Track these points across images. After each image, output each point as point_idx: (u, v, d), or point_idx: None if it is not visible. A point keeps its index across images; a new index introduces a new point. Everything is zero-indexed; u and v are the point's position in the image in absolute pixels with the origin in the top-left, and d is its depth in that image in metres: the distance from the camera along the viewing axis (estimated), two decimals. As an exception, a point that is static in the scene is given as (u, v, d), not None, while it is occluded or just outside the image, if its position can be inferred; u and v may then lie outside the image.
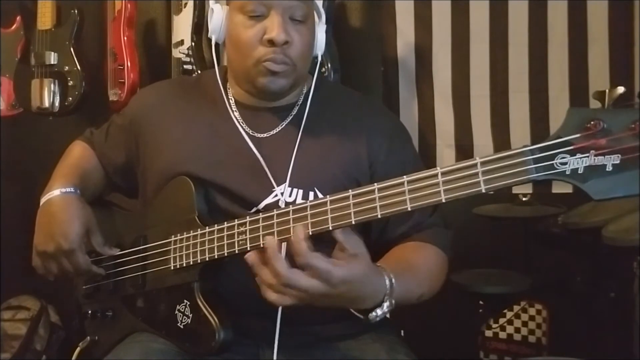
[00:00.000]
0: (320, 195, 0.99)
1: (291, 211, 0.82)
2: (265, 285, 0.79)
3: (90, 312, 1.16)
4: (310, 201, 0.80)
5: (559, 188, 1.71)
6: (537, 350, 1.69)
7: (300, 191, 1.00)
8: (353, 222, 0.76)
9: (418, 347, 1.08)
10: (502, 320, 1.73)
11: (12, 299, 2.24)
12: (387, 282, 0.83)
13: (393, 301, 0.83)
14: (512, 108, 1.78)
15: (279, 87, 1.02)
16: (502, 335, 1.72)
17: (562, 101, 1.72)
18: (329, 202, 0.77)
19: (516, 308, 1.71)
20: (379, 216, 0.73)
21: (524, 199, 1.74)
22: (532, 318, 1.70)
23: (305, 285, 0.77)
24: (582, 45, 1.70)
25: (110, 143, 1.19)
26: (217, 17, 1.05)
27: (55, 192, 1.07)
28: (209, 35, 1.07)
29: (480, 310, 1.74)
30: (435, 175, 0.69)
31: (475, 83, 1.82)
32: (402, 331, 1.24)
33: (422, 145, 1.87)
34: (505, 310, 1.73)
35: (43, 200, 1.08)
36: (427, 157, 1.84)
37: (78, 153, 1.20)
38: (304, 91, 1.09)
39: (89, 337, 1.15)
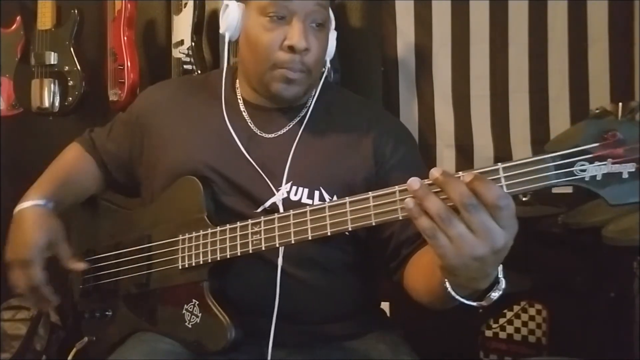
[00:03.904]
0: (326, 194, 0.99)
1: (308, 212, 0.82)
2: (427, 215, 0.67)
3: (87, 311, 1.15)
4: (330, 202, 0.80)
5: (558, 188, 1.71)
6: (537, 350, 1.69)
7: (306, 190, 1.00)
8: (373, 223, 0.76)
9: (418, 346, 1.08)
10: (502, 320, 1.73)
11: (12, 298, 2.24)
12: None
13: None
14: (512, 108, 1.78)
15: (293, 94, 1.02)
16: (502, 335, 1.72)
17: (562, 101, 1.72)
18: (348, 203, 0.77)
19: (516, 308, 1.72)
20: (400, 217, 0.73)
21: (524, 198, 1.73)
22: (532, 318, 1.70)
23: (490, 225, 0.64)
24: (582, 45, 1.69)
25: (114, 138, 1.19)
26: (233, 15, 1.03)
27: (27, 204, 1.06)
28: (221, 32, 1.06)
29: (480, 310, 1.74)
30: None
31: (475, 83, 1.82)
32: (403, 331, 1.24)
33: (422, 145, 1.87)
34: (505, 310, 1.73)
35: (16, 210, 1.07)
36: (427, 157, 1.84)
37: (67, 159, 1.19)
38: (313, 93, 1.09)
39: (86, 338, 1.15)
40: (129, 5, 1.96)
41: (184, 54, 1.81)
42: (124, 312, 1.10)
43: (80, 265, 1.08)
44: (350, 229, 0.78)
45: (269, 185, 1.00)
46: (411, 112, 1.88)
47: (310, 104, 1.08)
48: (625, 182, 0.64)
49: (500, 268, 0.73)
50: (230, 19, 1.04)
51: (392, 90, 1.90)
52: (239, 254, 0.91)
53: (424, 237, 0.68)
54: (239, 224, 0.91)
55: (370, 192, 0.76)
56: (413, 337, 1.12)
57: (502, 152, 1.78)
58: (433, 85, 1.86)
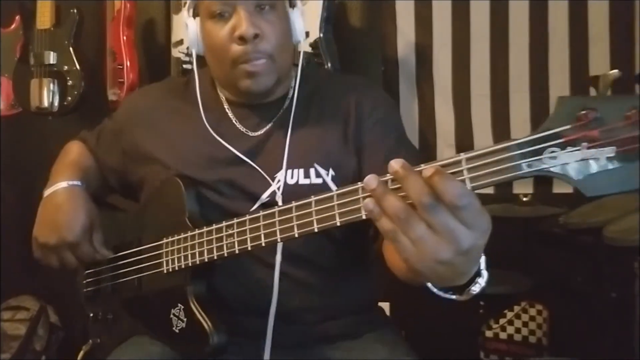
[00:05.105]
0: (321, 169, 0.99)
1: (277, 212, 0.79)
2: (388, 216, 0.61)
3: (92, 314, 1.15)
4: (295, 201, 0.77)
5: (559, 188, 1.71)
6: (537, 350, 1.69)
7: (301, 170, 0.99)
8: (338, 224, 0.71)
9: (419, 347, 1.08)
10: (502, 321, 1.73)
11: (11, 299, 2.24)
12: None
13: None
14: (513, 108, 1.78)
15: (262, 87, 1.00)
16: (503, 335, 1.72)
17: (563, 101, 1.72)
18: (313, 202, 0.74)
19: (517, 308, 1.72)
20: (364, 217, 0.68)
21: (524, 199, 1.74)
22: (532, 318, 1.70)
23: (452, 223, 0.59)
24: (583, 45, 1.70)
25: (103, 147, 1.17)
26: (192, 30, 1.04)
27: (62, 184, 1.05)
28: (188, 49, 1.05)
29: (481, 311, 1.74)
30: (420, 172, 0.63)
31: (475, 83, 1.82)
32: (403, 332, 1.23)
33: (422, 145, 1.87)
34: (505, 311, 1.73)
35: (48, 192, 1.06)
36: (427, 157, 1.82)
37: (77, 152, 1.18)
38: (292, 84, 1.07)
39: (91, 340, 1.15)
40: (128, 5, 1.96)
41: (183, 53, 1.81)
42: (123, 315, 1.10)
43: (109, 253, 1.07)
44: (316, 230, 0.74)
45: (264, 177, 0.99)
46: (411, 112, 1.88)
47: (293, 94, 1.06)
48: (603, 169, 0.54)
49: (482, 260, 0.68)
50: (191, 35, 1.04)
51: (392, 89, 1.90)
52: (215, 257, 0.89)
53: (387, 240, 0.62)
54: (214, 226, 0.89)
55: (334, 190, 0.71)
56: (413, 337, 1.11)
57: (503, 152, 1.78)
58: (433, 85, 1.86)
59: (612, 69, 1.67)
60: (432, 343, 1.41)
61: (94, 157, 1.17)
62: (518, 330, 1.71)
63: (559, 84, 1.72)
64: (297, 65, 1.06)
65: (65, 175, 1.07)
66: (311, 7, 1.68)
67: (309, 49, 1.68)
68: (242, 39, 0.95)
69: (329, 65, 1.67)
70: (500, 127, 1.79)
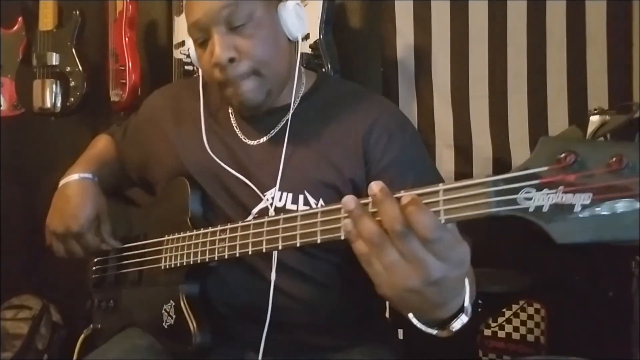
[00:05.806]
0: (310, 198, 0.97)
1: (265, 223, 0.79)
2: (363, 239, 0.61)
3: (96, 300, 1.20)
4: (284, 215, 0.77)
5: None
6: (535, 349, 1.70)
7: (290, 195, 0.97)
8: (319, 241, 0.71)
9: (416, 346, 1.09)
10: (500, 319, 1.74)
11: (13, 298, 2.25)
12: (467, 282, 0.67)
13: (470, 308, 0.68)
14: (511, 109, 1.79)
15: (254, 103, 0.98)
16: (501, 334, 1.73)
17: (561, 102, 1.73)
18: (299, 217, 0.74)
19: (515, 307, 1.72)
20: (342, 238, 0.67)
21: (522, 198, 1.74)
22: (530, 317, 1.71)
23: (423, 253, 0.59)
24: (581, 46, 1.70)
25: (127, 142, 1.22)
26: (191, 50, 1.03)
27: (74, 177, 1.11)
28: (189, 51, 1.04)
29: (479, 309, 1.75)
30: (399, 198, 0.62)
31: (474, 84, 1.82)
32: (401, 331, 1.24)
33: (421, 146, 1.88)
34: (504, 309, 1.74)
35: (61, 182, 1.12)
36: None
37: (101, 145, 1.24)
38: (302, 91, 1.05)
39: (92, 325, 1.19)
40: (130, 6, 1.97)
41: (185, 54, 1.82)
42: (121, 305, 1.14)
43: (117, 243, 1.13)
44: (298, 245, 0.74)
45: (255, 192, 0.99)
46: (410, 113, 1.89)
47: (297, 104, 1.04)
48: (577, 216, 0.52)
49: (467, 295, 0.67)
50: (192, 55, 1.03)
51: (391, 90, 1.91)
52: (207, 259, 0.91)
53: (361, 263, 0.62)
54: (210, 229, 0.91)
55: (319, 207, 0.72)
56: (411, 335, 1.12)
57: (501, 152, 1.79)
58: (432, 86, 1.87)
59: (609, 71, 1.68)
60: (430, 341, 1.42)
61: (118, 151, 1.22)
62: (516, 329, 1.72)
63: (557, 85, 1.73)
64: (311, 69, 1.07)
65: (80, 168, 1.14)
66: (311, 8, 1.69)
67: (309, 51, 1.69)
68: (219, 65, 0.93)
69: (329, 66, 1.68)
70: (499, 128, 1.80)
